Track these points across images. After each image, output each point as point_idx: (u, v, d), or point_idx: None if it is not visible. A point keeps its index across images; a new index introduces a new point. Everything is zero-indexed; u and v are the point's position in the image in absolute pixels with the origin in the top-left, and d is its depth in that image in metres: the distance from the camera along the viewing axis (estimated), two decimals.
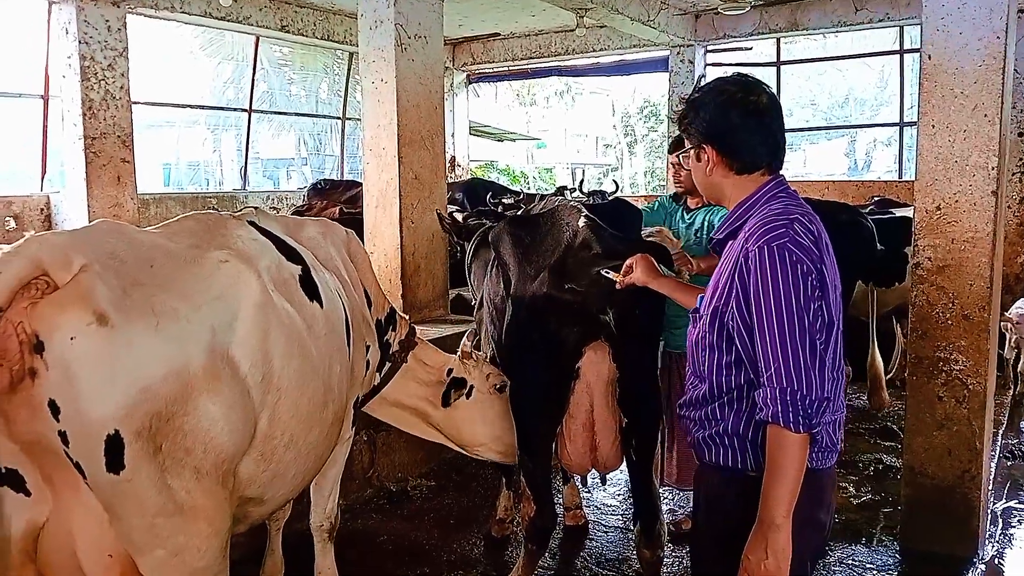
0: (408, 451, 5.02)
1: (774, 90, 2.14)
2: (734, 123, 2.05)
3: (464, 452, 3.66)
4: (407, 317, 3.60)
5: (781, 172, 2.12)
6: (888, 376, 6.84)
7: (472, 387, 3.44)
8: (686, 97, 2.17)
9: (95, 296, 1.81)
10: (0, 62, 9.67)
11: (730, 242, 2.11)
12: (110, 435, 1.81)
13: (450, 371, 3.49)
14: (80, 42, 8.16)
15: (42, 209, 8.70)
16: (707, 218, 3.97)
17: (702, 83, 2.15)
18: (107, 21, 8.36)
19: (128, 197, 8.41)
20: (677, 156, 3.85)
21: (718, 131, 2.06)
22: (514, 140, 20.36)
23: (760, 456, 1.98)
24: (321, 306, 2.62)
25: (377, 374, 3.38)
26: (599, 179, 22.19)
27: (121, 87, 8.45)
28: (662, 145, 23.14)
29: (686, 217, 4.15)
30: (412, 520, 4.44)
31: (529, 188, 16.48)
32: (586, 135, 30.02)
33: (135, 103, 8.77)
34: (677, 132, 2.53)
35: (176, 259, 2.11)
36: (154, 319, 1.90)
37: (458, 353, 3.51)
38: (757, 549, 1.87)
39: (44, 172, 9.22)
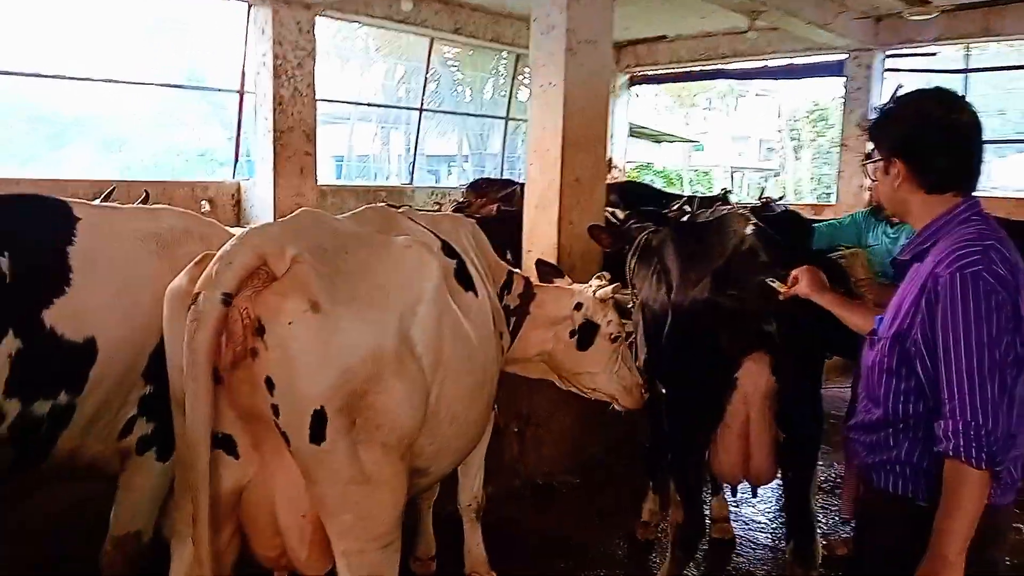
0: (555, 446, 5.13)
1: None
2: (929, 140, 1.99)
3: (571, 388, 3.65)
4: (519, 271, 3.61)
5: (974, 195, 2.03)
6: None
7: (599, 328, 3.43)
8: (880, 106, 2.12)
9: (310, 285, 2.02)
10: (204, 60, 10.66)
11: (915, 264, 2.05)
12: (316, 410, 2.03)
13: (579, 305, 3.46)
14: (274, 42, 8.86)
15: (233, 195, 9.53)
16: None
17: (899, 92, 2.09)
18: (298, 23, 9.02)
19: (309, 188, 9.07)
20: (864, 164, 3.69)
21: (910, 146, 2.01)
22: (671, 142, 20.11)
23: (934, 487, 1.92)
24: (476, 296, 2.79)
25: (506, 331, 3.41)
26: (760, 184, 21.44)
27: (308, 85, 9.10)
28: (830, 152, 21.92)
29: (890, 232, 3.95)
30: (557, 514, 4.54)
31: (684, 191, 16.20)
32: (748, 137, 29.05)
33: (318, 100, 9.42)
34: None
35: (366, 245, 2.33)
36: (356, 306, 2.10)
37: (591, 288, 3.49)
38: None
39: (237, 160, 10.09)
